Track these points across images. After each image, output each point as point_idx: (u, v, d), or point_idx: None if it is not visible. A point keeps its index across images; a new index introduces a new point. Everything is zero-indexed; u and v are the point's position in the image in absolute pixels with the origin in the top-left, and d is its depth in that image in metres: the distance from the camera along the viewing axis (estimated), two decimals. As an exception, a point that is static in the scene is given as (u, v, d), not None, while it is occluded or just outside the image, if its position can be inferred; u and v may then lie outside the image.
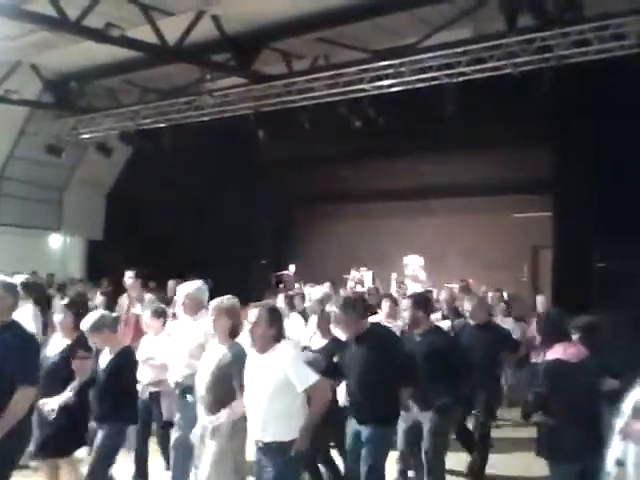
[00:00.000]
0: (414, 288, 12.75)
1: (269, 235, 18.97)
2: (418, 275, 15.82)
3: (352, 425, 4.97)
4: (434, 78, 10.22)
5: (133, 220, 16.22)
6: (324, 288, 8.05)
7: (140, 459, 5.92)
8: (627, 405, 3.23)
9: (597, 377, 4.50)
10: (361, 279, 14.96)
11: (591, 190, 12.25)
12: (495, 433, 7.14)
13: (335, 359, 5.26)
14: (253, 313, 4.24)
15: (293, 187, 19.09)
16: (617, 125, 11.19)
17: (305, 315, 7.67)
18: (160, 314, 6.38)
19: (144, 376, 5.91)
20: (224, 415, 4.35)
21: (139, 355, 5.83)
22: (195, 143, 14.65)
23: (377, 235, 17.39)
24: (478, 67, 9.73)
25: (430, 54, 9.92)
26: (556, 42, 8.85)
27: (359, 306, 5.02)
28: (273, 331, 4.20)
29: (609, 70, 9.26)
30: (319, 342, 5.84)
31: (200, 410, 4.54)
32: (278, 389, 4.08)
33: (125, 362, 5.05)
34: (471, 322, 6.75)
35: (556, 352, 4.50)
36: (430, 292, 10.92)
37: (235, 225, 17.04)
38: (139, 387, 5.62)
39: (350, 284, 14.61)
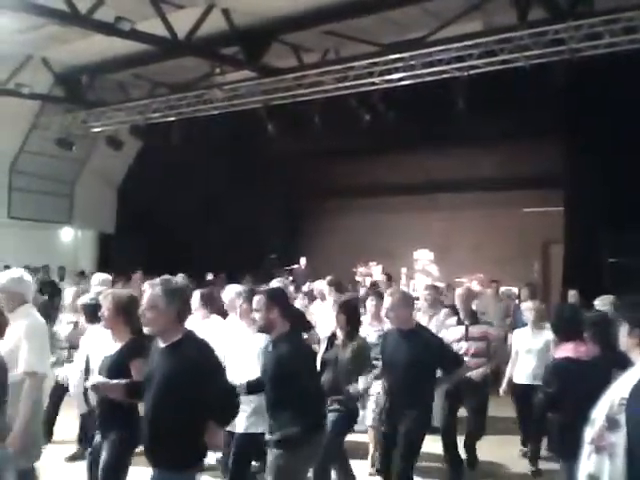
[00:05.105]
0: (424, 283, 12.72)
1: (278, 230, 18.96)
2: (428, 270, 15.79)
3: None
4: (444, 71, 10.15)
5: (144, 214, 16.27)
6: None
7: None
8: (599, 412, 2.68)
9: (608, 374, 4.45)
10: (369, 273, 14.91)
11: (602, 185, 12.14)
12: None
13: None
14: None
15: (302, 181, 19.07)
16: (629, 119, 11.09)
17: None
18: None
19: None
20: None
21: None
22: (205, 137, 14.66)
23: (386, 230, 17.33)
24: (489, 60, 9.65)
25: (440, 47, 9.85)
26: (568, 35, 8.77)
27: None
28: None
29: (621, 64, 9.18)
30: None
31: None
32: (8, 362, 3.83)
33: None
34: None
35: (566, 350, 4.47)
36: (437, 287, 10.92)
37: (244, 219, 17.04)
38: None
39: (359, 278, 14.58)
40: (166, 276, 3.65)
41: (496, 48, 9.44)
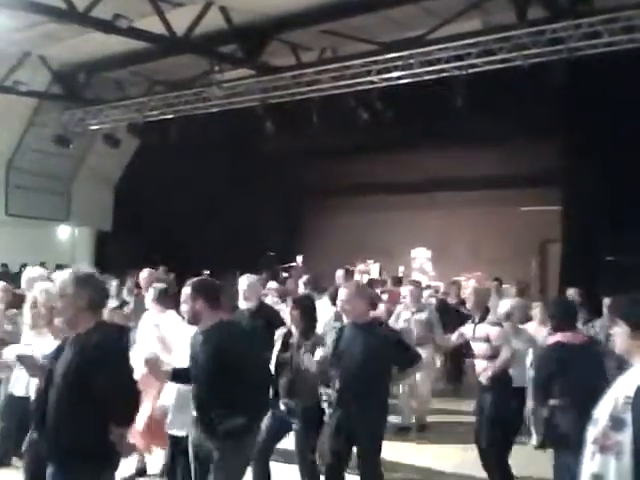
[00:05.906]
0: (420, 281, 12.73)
1: (277, 228, 18.95)
2: (425, 268, 15.79)
3: None
4: (443, 70, 10.16)
5: (141, 212, 16.24)
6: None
7: None
8: (602, 412, 2.60)
9: (597, 359, 4.49)
10: (367, 270, 14.90)
11: (600, 183, 12.15)
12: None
13: None
14: None
15: (300, 179, 19.06)
16: (626, 118, 11.09)
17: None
18: None
19: None
20: None
21: None
22: (203, 135, 14.62)
23: (384, 228, 17.34)
24: (488, 59, 9.66)
25: (439, 46, 9.86)
26: (567, 34, 8.78)
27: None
28: None
29: (619, 63, 9.18)
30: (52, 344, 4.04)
31: None
32: None
33: None
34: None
35: (557, 336, 4.55)
36: (426, 287, 10.98)
37: (242, 217, 17.03)
38: None
39: (357, 276, 14.57)
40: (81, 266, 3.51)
41: (495, 47, 9.44)
